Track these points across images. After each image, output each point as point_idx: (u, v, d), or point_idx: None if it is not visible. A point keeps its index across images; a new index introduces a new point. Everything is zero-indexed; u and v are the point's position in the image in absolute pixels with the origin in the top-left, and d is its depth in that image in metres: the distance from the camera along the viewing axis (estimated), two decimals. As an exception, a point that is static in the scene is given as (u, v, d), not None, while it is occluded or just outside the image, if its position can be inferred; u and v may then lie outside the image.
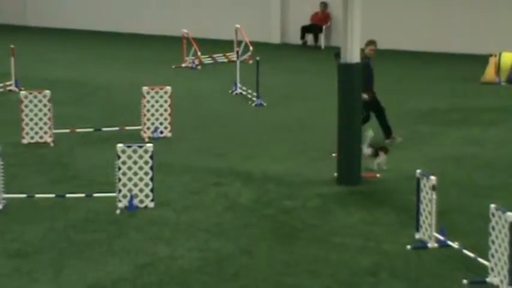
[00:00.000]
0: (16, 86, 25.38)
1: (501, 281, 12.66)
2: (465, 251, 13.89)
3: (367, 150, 18.28)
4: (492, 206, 12.98)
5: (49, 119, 20.53)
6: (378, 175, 17.96)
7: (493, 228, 12.89)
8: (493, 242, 12.92)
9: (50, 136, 20.55)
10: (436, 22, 32.19)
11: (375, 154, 18.44)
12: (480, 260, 13.43)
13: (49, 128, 20.56)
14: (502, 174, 18.42)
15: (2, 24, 39.07)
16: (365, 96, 19.43)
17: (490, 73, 27.48)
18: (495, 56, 27.60)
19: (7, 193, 16.21)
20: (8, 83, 25.92)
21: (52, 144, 20.39)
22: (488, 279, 12.90)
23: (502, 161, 19.34)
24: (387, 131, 20.66)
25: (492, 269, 12.93)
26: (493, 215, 12.87)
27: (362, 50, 18.71)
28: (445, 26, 32.02)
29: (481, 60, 28.56)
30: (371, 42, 20.69)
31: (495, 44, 29.15)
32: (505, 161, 19.38)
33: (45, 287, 12.82)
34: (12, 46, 26.54)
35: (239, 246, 14.40)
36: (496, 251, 12.84)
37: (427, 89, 25.79)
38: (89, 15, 37.65)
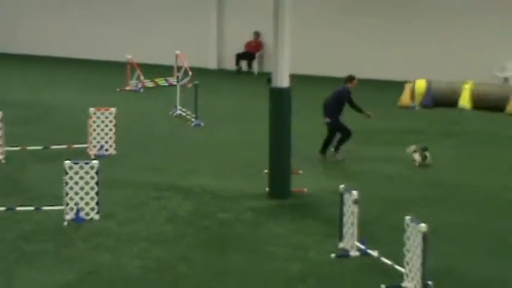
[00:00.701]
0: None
1: (415, 286, 12.88)
2: (383, 259, 14.09)
3: (417, 158, 20.21)
4: (407, 217, 13.18)
5: (0, 137, 20.37)
6: (305, 189, 18.05)
7: (408, 238, 13.10)
8: (408, 251, 13.13)
9: (1, 153, 20.38)
10: (358, 51, 32.39)
11: (424, 157, 20.19)
12: (396, 267, 13.63)
13: (0, 145, 20.38)
14: (417, 189, 18.67)
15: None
16: (327, 119, 20.98)
17: (405, 98, 27.78)
18: (410, 82, 27.91)
19: (-41, 206, 16.11)
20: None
21: (3, 161, 20.22)
22: (403, 284, 13.11)
23: (417, 178, 19.58)
24: (324, 148, 21.19)
25: (407, 275, 13.15)
26: (408, 225, 13.07)
27: (345, 82, 21.37)
28: (366, 55, 32.23)
29: (397, 86, 28.82)
30: (354, 77, 21.64)
31: (410, 72, 29.38)
32: (420, 177, 19.62)
33: (-4, 295, 12.75)
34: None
35: (177, 254, 14.51)
36: (411, 258, 13.02)
37: (349, 111, 25.86)
38: (41, 41, 37.37)
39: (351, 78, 21.53)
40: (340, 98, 21.34)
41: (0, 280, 13.25)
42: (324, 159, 20.91)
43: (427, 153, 20.28)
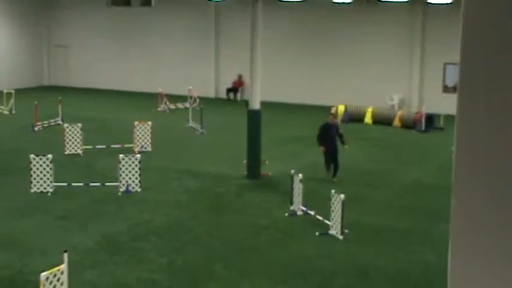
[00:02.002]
0: (62, 121, 25.06)
1: (336, 233, 12.98)
2: (318, 216, 14.18)
3: None
4: (332, 191, 13.32)
5: (80, 139, 20.37)
6: (269, 173, 18.08)
7: (332, 204, 13.22)
8: (332, 211, 13.23)
9: (81, 150, 20.36)
10: (305, 85, 32.57)
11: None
12: (326, 221, 13.72)
13: (80, 145, 20.39)
14: (341, 172, 18.76)
15: (53, 85, 38.49)
16: (322, 147, 18.14)
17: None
18: (335, 106, 28.06)
19: (56, 182, 16.09)
20: (57, 119, 25.58)
21: (82, 155, 20.18)
22: (330, 232, 13.22)
23: (343, 164, 19.67)
24: (335, 171, 18.11)
25: (332, 226, 13.24)
26: (333, 196, 13.20)
27: (329, 116, 19.34)
28: (310, 88, 32.43)
29: (327, 109, 28.92)
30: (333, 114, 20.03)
31: (334, 99, 29.55)
32: (344, 164, 19.69)
33: (77, 237, 12.83)
34: (59, 98, 26.28)
35: (190, 214, 14.58)
36: (334, 216, 13.15)
37: (296, 125, 25.89)
38: (103, 79, 37.32)
39: (334, 114, 19.40)
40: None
41: (80, 228, 13.33)
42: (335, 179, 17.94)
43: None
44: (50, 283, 8.60)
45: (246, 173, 17.92)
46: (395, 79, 30.73)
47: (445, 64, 29.54)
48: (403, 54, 30.65)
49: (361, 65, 31.53)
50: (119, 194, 15.83)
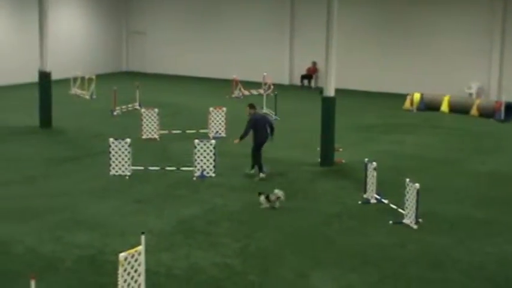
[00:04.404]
0: (139, 105, 25.58)
1: (410, 222, 12.84)
2: (392, 205, 14.05)
3: (264, 201, 14.09)
4: (407, 179, 13.17)
5: (157, 124, 20.75)
6: (343, 160, 18.00)
7: (407, 192, 13.07)
8: (406, 200, 13.09)
9: (157, 134, 20.74)
10: (379, 73, 32.18)
11: (274, 199, 14.14)
12: (400, 210, 13.58)
13: (157, 129, 20.77)
14: (414, 161, 18.53)
15: (131, 71, 39.30)
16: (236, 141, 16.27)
17: (407, 104, 27.53)
18: (410, 94, 27.71)
19: (133, 166, 16.46)
20: (135, 104, 26.13)
21: (158, 139, 20.55)
22: (403, 221, 13.09)
23: (414, 154, 19.43)
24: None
25: (406, 215, 13.11)
26: (407, 185, 13.05)
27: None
28: (392, 74, 32.03)
29: (402, 96, 28.60)
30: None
31: (410, 87, 29.17)
32: (416, 153, 19.47)
33: (154, 220, 13.09)
34: (137, 83, 26.81)
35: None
36: (408, 205, 13.00)
37: (371, 113, 25.68)
38: (178, 65, 37.84)
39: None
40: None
41: (156, 211, 13.59)
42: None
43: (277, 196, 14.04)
44: (128, 263, 8.86)
45: (319, 159, 17.86)
46: (473, 67, 29.96)
47: (526, 52, 28.67)
48: (482, 42, 29.83)
49: (438, 52, 30.89)
50: (194, 178, 16.05)
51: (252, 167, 16.55)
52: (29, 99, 25.69)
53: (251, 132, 16.30)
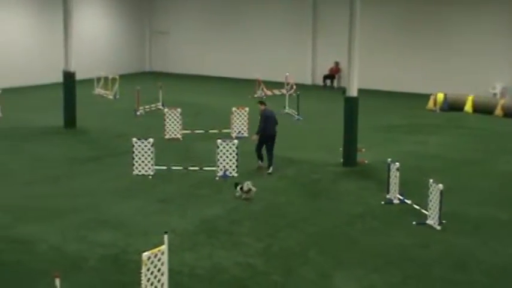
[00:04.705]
0: (162, 105, 25.70)
1: (434, 223, 12.76)
2: (415, 206, 13.99)
3: (240, 193, 14.73)
4: (430, 180, 13.09)
5: (180, 124, 20.82)
6: (366, 161, 17.94)
7: (430, 193, 12.99)
8: (430, 201, 13.02)
9: (180, 134, 20.81)
10: (401, 74, 32.02)
11: (247, 190, 14.74)
12: (423, 210, 13.51)
13: (179, 129, 20.84)
14: (437, 161, 18.41)
15: (154, 71, 39.51)
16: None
17: (430, 104, 27.39)
18: (433, 94, 27.56)
19: (156, 165, 16.53)
20: (157, 104, 26.25)
21: (181, 139, 20.63)
22: (427, 221, 13.01)
23: (437, 154, 19.30)
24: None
25: (429, 216, 13.04)
26: (431, 185, 12.97)
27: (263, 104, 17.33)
28: (415, 74, 31.87)
29: (425, 97, 28.44)
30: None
31: (433, 87, 29.02)
32: (439, 154, 19.34)
33: (177, 220, 13.14)
34: (160, 83, 26.91)
35: (286, 199, 14.66)
36: (432, 206, 12.93)
37: (393, 113, 25.57)
38: (200, 65, 37.95)
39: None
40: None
41: (179, 211, 13.64)
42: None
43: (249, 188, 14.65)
44: (152, 263, 8.90)
45: (342, 160, 17.82)
46: (497, 67, 29.71)
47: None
48: (506, 42, 29.56)
49: (461, 52, 30.65)
50: (216, 178, 16.08)
51: (269, 166, 16.90)
52: (53, 99, 25.92)
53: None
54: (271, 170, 16.85)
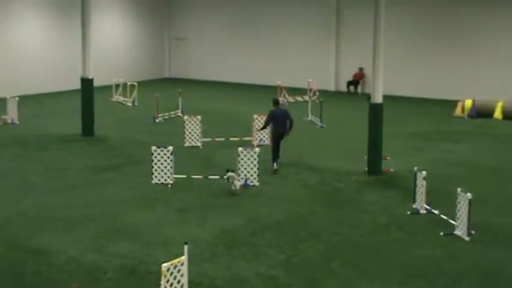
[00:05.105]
0: (182, 113, 25.80)
1: (462, 234, 12.65)
2: (442, 216, 13.87)
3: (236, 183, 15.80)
4: (458, 189, 12.98)
5: (200, 132, 20.86)
6: (391, 169, 17.85)
7: (459, 202, 12.89)
8: (458, 210, 12.90)
9: (200, 142, 20.86)
10: (429, 80, 31.87)
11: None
12: (451, 221, 13.39)
13: (199, 137, 20.88)
14: (465, 170, 18.26)
15: (173, 78, 39.70)
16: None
17: (458, 111, 27.23)
18: (461, 100, 27.40)
19: (175, 174, 16.57)
20: (177, 111, 26.36)
21: (201, 147, 20.68)
22: (455, 232, 12.89)
23: (465, 162, 19.14)
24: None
25: (457, 226, 12.93)
26: (459, 194, 12.86)
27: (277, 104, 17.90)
28: (441, 79, 31.71)
29: (452, 103, 28.27)
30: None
31: (461, 93, 28.86)
32: (466, 162, 19.18)
33: (196, 229, 13.16)
34: (179, 90, 27.03)
35: (308, 209, 14.60)
36: (460, 216, 12.81)
37: (420, 120, 25.41)
38: (220, 71, 38.08)
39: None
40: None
41: (198, 221, 13.66)
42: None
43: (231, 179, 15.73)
44: (171, 274, 8.91)
45: (366, 168, 17.75)
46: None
47: None
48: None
49: (490, 57, 30.45)
50: (237, 187, 16.06)
51: (274, 160, 17.84)
52: (71, 106, 26.13)
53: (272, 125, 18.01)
54: (275, 166, 17.70)
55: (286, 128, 17.81)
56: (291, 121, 17.88)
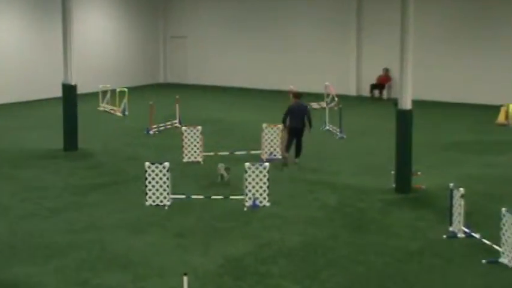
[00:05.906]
0: (179, 123, 25.83)
1: (509, 261, 12.54)
2: (484, 240, 13.76)
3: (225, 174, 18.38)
4: (503, 209, 12.87)
5: (200, 145, 20.84)
6: (423, 186, 17.78)
7: (504, 225, 12.78)
8: (503, 234, 12.79)
9: (201, 157, 20.83)
10: (470, 79, 31.82)
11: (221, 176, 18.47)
12: (495, 246, 13.29)
13: (200, 151, 20.85)
14: (510, 186, 18.13)
15: (169, 83, 39.77)
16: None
17: (501, 118, 27.19)
18: (504, 106, 27.35)
19: (173, 194, 16.53)
20: (174, 121, 26.37)
21: (202, 162, 20.66)
22: (500, 260, 12.77)
23: (509, 178, 19.03)
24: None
25: (503, 253, 12.81)
26: (504, 215, 12.75)
27: (298, 98, 20.44)
28: (479, 82, 31.66)
29: (494, 109, 28.19)
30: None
31: (504, 97, 28.81)
32: (508, 176, 19.06)
33: (197, 258, 13.08)
34: (177, 96, 27.05)
35: (327, 233, 14.52)
36: (506, 240, 12.69)
37: (456, 129, 25.30)
38: (223, 75, 38.15)
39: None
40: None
41: (200, 247, 13.60)
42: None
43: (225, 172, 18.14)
44: (167, 311, 8.84)
45: (394, 185, 17.70)
46: None
47: None
48: None
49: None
50: (245, 208, 16.03)
51: (296, 156, 20.15)
52: (52, 116, 26.15)
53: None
54: (297, 160, 20.09)
55: (304, 124, 19.74)
56: (309, 119, 19.83)
